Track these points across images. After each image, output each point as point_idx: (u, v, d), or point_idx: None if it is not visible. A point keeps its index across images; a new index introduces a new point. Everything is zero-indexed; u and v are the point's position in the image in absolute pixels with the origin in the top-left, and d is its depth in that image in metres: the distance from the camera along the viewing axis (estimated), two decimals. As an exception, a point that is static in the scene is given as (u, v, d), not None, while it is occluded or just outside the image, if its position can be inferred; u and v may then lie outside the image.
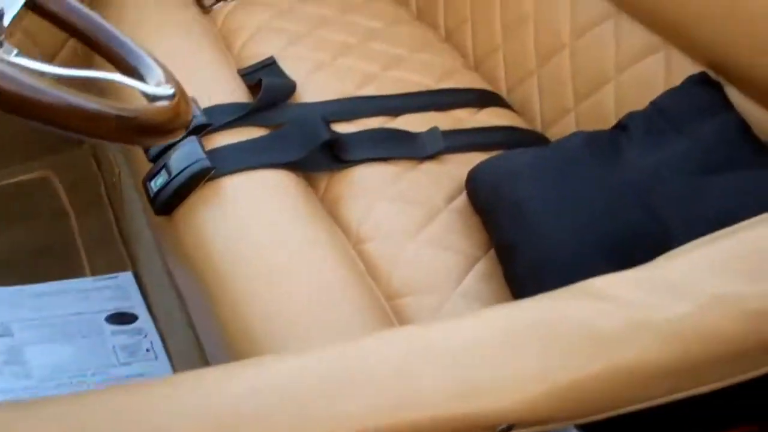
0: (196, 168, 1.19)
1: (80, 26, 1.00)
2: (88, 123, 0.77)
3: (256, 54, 1.46)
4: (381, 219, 1.21)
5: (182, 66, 1.36)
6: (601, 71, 1.33)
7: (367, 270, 1.16)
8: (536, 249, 1.07)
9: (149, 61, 0.97)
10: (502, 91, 1.49)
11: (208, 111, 1.28)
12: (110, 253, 1.56)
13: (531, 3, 1.44)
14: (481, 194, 1.18)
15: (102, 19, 1.01)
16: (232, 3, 1.57)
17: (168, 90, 0.90)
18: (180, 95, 0.90)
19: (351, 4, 1.60)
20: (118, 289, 1.50)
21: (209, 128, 1.26)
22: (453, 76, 1.47)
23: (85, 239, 1.59)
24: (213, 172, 1.19)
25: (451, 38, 1.59)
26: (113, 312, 1.46)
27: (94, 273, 1.54)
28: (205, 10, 1.58)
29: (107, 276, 1.53)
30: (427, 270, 1.15)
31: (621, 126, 1.20)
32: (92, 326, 1.43)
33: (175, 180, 1.19)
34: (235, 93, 1.35)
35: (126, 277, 1.52)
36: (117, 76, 0.88)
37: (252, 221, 1.16)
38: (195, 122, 1.25)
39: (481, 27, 1.53)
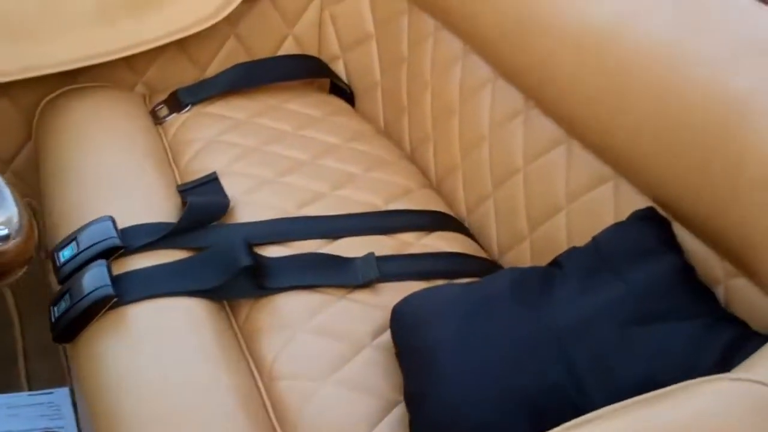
0: (97, 295, 1.12)
1: None
2: None
3: (202, 169, 1.40)
4: (298, 354, 1.12)
5: (114, 181, 1.33)
6: (553, 198, 1.25)
7: (274, 413, 1.07)
8: (443, 403, 0.97)
9: (5, 193, 0.91)
10: (462, 214, 1.40)
11: (126, 232, 1.22)
12: (52, 365, 1.50)
13: (486, 123, 1.36)
14: (399, 333, 1.09)
15: None
16: (186, 114, 1.52)
17: (1, 231, 0.83)
18: (20, 237, 0.83)
19: (312, 118, 1.55)
20: (52, 406, 1.43)
21: (122, 251, 1.19)
22: (407, 196, 1.39)
23: (26, 350, 1.53)
24: (116, 300, 1.12)
25: (415, 155, 1.52)
26: (42, 431, 1.39)
27: (30, 387, 1.47)
28: (158, 121, 1.53)
29: (43, 391, 1.46)
30: (339, 414, 1.06)
31: (557, 263, 1.10)
32: (15, 450, 1.36)
33: (76, 306, 1.12)
34: (165, 212, 1.28)
35: (62, 393, 1.45)
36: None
37: (150, 357, 1.08)
38: (106, 244, 1.19)
39: (442, 145, 1.45)
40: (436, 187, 1.46)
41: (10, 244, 0.83)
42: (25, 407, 1.43)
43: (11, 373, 1.50)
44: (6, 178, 1.58)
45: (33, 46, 1.50)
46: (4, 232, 0.85)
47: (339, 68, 1.70)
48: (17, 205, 0.92)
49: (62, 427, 1.40)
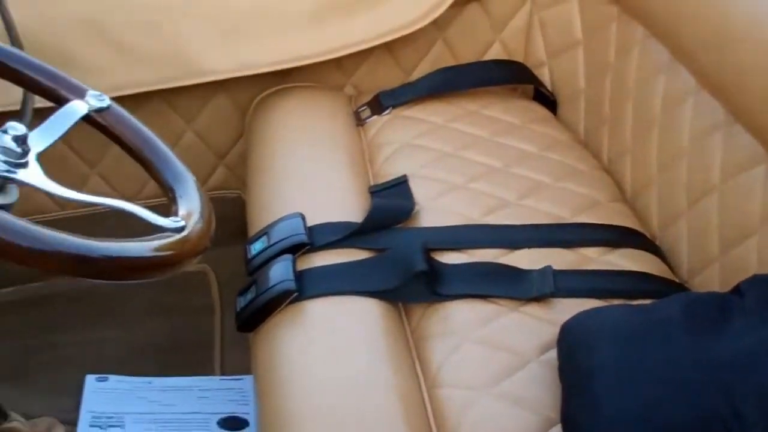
0: (280, 288, 1.17)
1: (131, 141, 1.02)
2: (48, 263, 0.76)
3: (395, 171, 1.43)
4: (463, 363, 1.13)
5: (311, 178, 1.38)
6: (747, 220, 1.19)
7: (434, 419, 1.08)
8: (595, 430, 0.95)
9: (190, 186, 0.96)
10: (654, 231, 1.36)
11: (314, 229, 1.26)
12: (245, 353, 1.57)
13: (687, 138, 1.31)
14: (563, 351, 1.07)
15: (155, 137, 1.02)
16: (386, 116, 1.56)
17: (175, 223, 0.89)
18: (194, 229, 0.88)
19: (510, 125, 1.54)
20: (240, 392, 1.51)
21: (308, 248, 1.24)
22: (594, 209, 1.36)
23: (223, 337, 1.62)
24: (296, 295, 1.16)
25: (611, 167, 1.48)
26: (227, 416, 1.46)
27: (223, 372, 1.56)
28: (360, 122, 1.57)
29: (233, 377, 1.54)
30: (497, 427, 1.06)
31: (738, 290, 1.05)
32: (202, 428, 1.45)
33: (259, 298, 1.18)
34: (354, 211, 1.32)
35: (250, 381, 1.52)
36: (126, 205, 0.89)
37: (322, 352, 1.12)
38: (294, 240, 1.24)
39: (639, 158, 1.41)
40: (630, 202, 1.42)
41: (183, 236, 0.88)
42: (216, 391, 1.52)
43: (206, 357, 1.59)
44: (219, 170, 1.70)
45: (248, 46, 1.58)
46: (180, 223, 0.89)
47: (544, 75, 1.68)
48: (200, 198, 0.97)
49: (247, 414, 1.47)
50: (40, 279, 1.68)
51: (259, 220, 1.37)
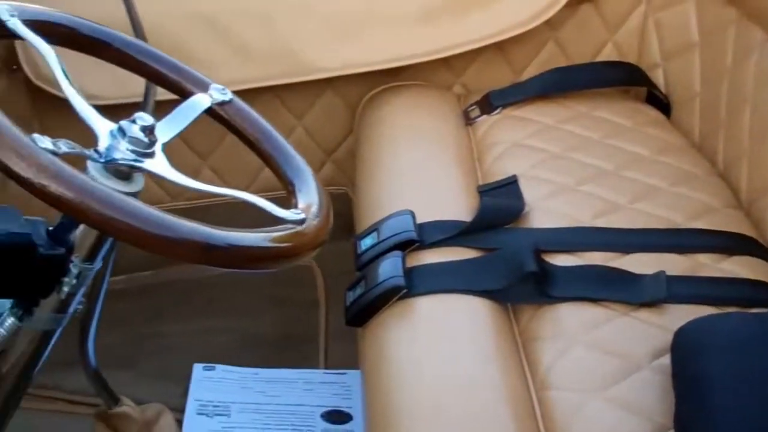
0: (389, 284, 1.18)
1: (252, 134, 1.03)
2: (176, 249, 0.78)
3: (504, 171, 1.42)
4: (573, 366, 1.11)
5: (420, 176, 1.38)
6: None
7: (543, 421, 1.07)
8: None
9: (308, 179, 0.98)
10: (769, 238, 1.33)
11: (423, 227, 1.27)
12: (349, 348, 1.59)
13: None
14: (677, 358, 1.05)
15: (274, 130, 1.04)
16: (495, 116, 1.55)
17: (296, 215, 0.90)
18: (314, 222, 0.89)
19: (622, 127, 1.52)
20: (344, 386, 1.52)
21: (417, 245, 1.24)
22: (709, 215, 1.34)
23: (328, 331, 1.64)
24: (405, 291, 1.17)
25: (727, 173, 1.45)
26: (331, 409, 1.48)
27: (327, 366, 1.58)
28: (469, 121, 1.57)
29: (337, 371, 1.56)
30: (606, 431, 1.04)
31: None
32: (306, 420, 1.46)
33: (369, 293, 1.19)
34: (463, 210, 1.32)
35: (354, 375, 1.53)
36: (249, 196, 0.90)
37: (430, 349, 1.12)
38: (404, 237, 1.25)
39: (756, 165, 1.38)
40: (746, 209, 1.39)
41: (303, 228, 0.89)
42: (320, 384, 1.54)
43: (311, 351, 1.61)
44: (326, 167, 1.72)
45: (358, 44, 1.60)
46: (301, 216, 0.91)
47: (658, 77, 1.66)
48: (319, 192, 0.98)
49: (351, 408, 1.49)
50: (151, 268, 1.72)
51: (367, 216, 1.38)
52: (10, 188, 1.61)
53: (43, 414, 1.35)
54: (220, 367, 1.58)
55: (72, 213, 0.76)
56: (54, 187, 0.74)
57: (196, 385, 1.54)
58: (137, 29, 1.35)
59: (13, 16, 0.94)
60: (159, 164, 0.90)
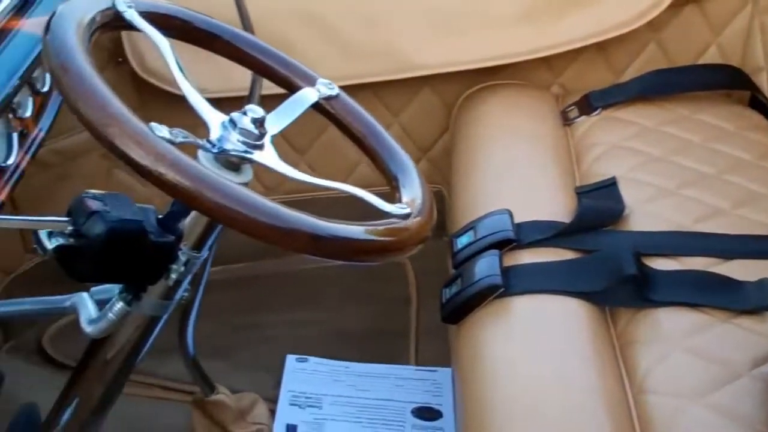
0: (486, 283, 1.18)
1: (357, 130, 1.04)
2: (285, 239, 0.80)
3: (602, 172, 1.41)
4: (672, 371, 1.10)
5: (517, 176, 1.38)
6: None
7: (639, 425, 1.06)
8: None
9: (413, 175, 0.98)
10: None
11: (521, 226, 1.27)
12: (440, 345, 1.59)
13: None
14: (779, 367, 1.03)
15: (380, 126, 1.05)
16: (594, 117, 1.54)
17: (402, 210, 0.90)
18: (418, 217, 0.90)
19: (724, 131, 1.50)
20: (434, 383, 1.53)
21: (514, 244, 1.24)
22: (814, 222, 1.31)
23: (419, 328, 1.64)
24: (502, 290, 1.17)
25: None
26: (421, 406, 1.49)
27: (418, 362, 1.58)
28: (567, 122, 1.56)
29: (428, 368, 1.56)
30: (705, 438, 1.03)
31: None
32: (396, 416, 1.47)
33: (465, 291, 1.19)
34: (560, 211, 1.31)
35: (445, 373, 1.54)
36: (355, 190, 0.91)
37: (527, 349, 1.12)
38: (501, 236, 1.25)
39: None
40: None
41: (408, 223, 0.90)
42: (411, 380, 1.55)
43: (402, 347, 1.62)
44: (421, 164, 1.72)
45: (458, 42, 1.60)
46: (405, 210, 0.92)
47: (761, 81, 1.62)
48: (422, 188, 0.99)
49: (441, 405, 1.49)
50: (246, 260, 1.75)
51: (463, 214, 1.38)
52: (114, 176, 1.66)
53: (138, 400, 1.38)
54: (312, 359, 1.60)
55: (186, 200, 0.78)
56: (171, 175, 0.76)
57: (289, 376, 1.57)
58: (246, 23, 1.37)
59: (130, 7, 0.96)
60: (268, 156, 0.92)
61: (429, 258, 1.65)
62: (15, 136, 1.23)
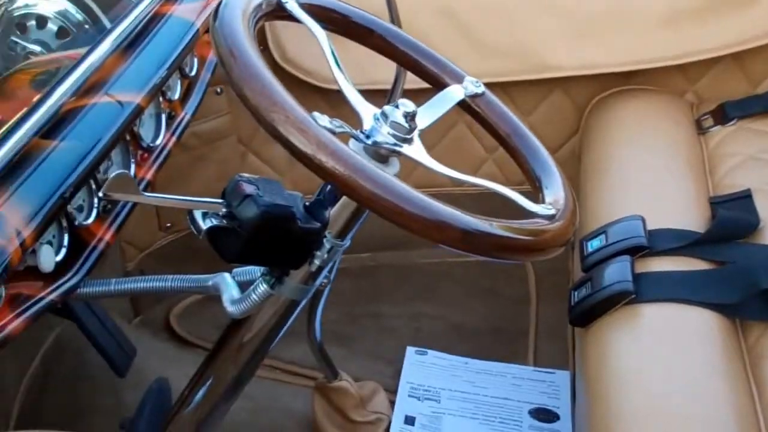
0: (616, 288, 1.18)
1: (501, 128, 1.05)
2: (435, 232, 0.81)
3: (736, 183, 1.39)
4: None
5: (650, 183, 1.37)
6: None
7: (769, 438, 1.05)
8: None
9: (556, 176, 0.99)
10: None
11: (653, 234, 1.26)
12: (558, 348, 1.59)
13: None
14: None
15: (524, 126, 1.05)
16: (730, 127, 1.52)
17: (547, 210, 0.91)
18: (562, 219, 0.91)
19: None
20: (552, 385, 1.53)
21: (647, 251, 1.23)
22: None
23: (538, 328, 1.64)
24: (632, 297, 1.16)
25: None
26: (538, 407, 1.49)
27: (536, 363, 1.59)
28: (701, 131, 1.54)
29: (546, 370, 1.56)
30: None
31: None
32: (513, 415, 1.48)
33: (595, 295, 1.19)
34: (692, 220, 1.30)
35: (563, 376, 1.54)
36: (500, 188, 0.92)
37: (657, 358, 1.11)
38: (633, 242, 1.24)
39: None
40: None
41: (554, 224, 0.90)
42: (528, 380, 1.55)
43: (520, 346, 1.62)
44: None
45: (595, 45, 1.59)
46: (551, 211, 0.92)
47: None
48: (566, 190, 0.99)
49: (558, 408, 1.49)
50: (369, 250, 1.78)
51: (592, 218, 1.37)
52: (247, 161, 1.70)
53: (260, 381, 1.41)
54: (431, 352, 1.62)
55: (343, 187, 0.80)
56: (331, 163, 0.79)
57: (409, 368, 1.58)
58: (395, 18, 1.39)
59: None
60: (417, 150, 0.94)
61: (550, 258, 1.65)
62: (163, 117, 1.27)
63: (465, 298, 1.74)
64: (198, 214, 0.93)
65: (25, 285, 0.98)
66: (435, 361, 1.59)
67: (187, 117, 1.32)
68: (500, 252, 0.86)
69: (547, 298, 1.72)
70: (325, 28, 1.00)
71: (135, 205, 1.14)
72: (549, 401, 1.50)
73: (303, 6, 1.00)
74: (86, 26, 2.18)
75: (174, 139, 1.28)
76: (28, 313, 0.96)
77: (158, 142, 1.25)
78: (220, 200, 0.93)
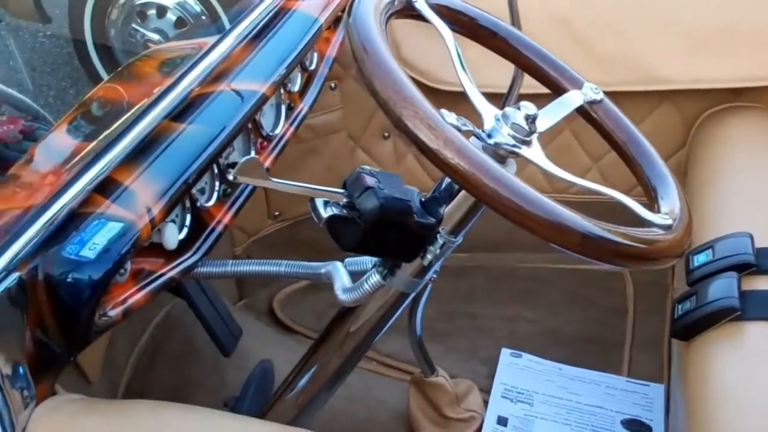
0: (722, 304, 1.17)
1: (618, 136, 1.06)
2: (555, 234, 0.82)
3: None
4: None
5: (758, 200, 1.37)
6: None
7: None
8: None
9: (671, 186, 0.99)
10: None
11: (761, 252, 1.25)
12: (653, 360, 1.58)
13: None
14: None
15: (641, 135, 1.06)
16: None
17: (664, 220, 0.92)
18: (678, 230, 0.91)
19: None
20: (645, 398, 1.52)
21: (754, 269, 1.23)
22: None
23: (633, 340, 1.64)
24: (738, 314, 1.16)
25: None
26: (631, 418, 1.49)
27: (629, 374, 1.58)
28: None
29: (640, 381, 1.56)
30: None
31: None
32: (605, 424, 1.48)
33: (699, 309, 1.19)
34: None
35: (657, 389, 1.53)
36: (618, 195, 0.93)
37: (760, 377, 1.11)
38: (741, 259, 1.23)
39: None
40: None
41: (670, 234, 0.91)
42: (621, 391, 1.55)
43: (615, 357, 1.62)
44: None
45: (708, 60, 1.58)
46: (667, 221, 0.92)
47: None
48: (681, 201, 0.99)
49: (651, 420, 1.48)
50: (467, 250, 1.79)
51: (699, 232, 1.37)
52: (356, 156, 1.73)
53: (359, 372, 1.44)
54: (526, 355, 1.63)
55: (465, 184, 0.82)
56: (456, 160, 0.81)
57: (503, 370, 1.60)
58: (516, 23, 1.41)
59: None
60: (535, 153, 0.96)
61: (651, 272, 1.65)
62: (283, 108, 1.31)
63: (562, 305, 1.74)
64: (320, 203, 0.96)
65: (148, 261, 1.03)
66: (529, 365, 1.60)
67: (305, 109, 1.36)
68: (614, 258, 0.87)
69: (644, 311, 1.71)
70: (451, 28, 1.02)
71: (253, 190, 1.18)
72: (642, 413, 1.50)
73: (432, 6, 1.03)
74: (203, 18, 2.24)
75: (292, 129, 1.32)
76: (149, 288, 1.01)
77: (277, 131, 1.29)
78: (341, 190, 0.96)
